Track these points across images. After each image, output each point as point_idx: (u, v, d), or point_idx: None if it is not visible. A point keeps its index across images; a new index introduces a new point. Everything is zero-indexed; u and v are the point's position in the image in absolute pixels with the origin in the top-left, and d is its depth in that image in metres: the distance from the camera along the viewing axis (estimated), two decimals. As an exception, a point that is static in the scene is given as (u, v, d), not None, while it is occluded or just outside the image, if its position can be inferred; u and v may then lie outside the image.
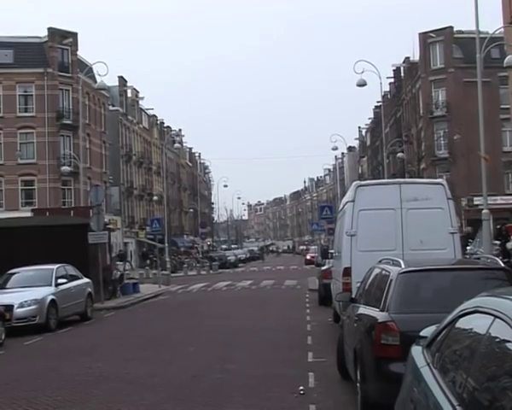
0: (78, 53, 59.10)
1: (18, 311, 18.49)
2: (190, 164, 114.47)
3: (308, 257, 67.13)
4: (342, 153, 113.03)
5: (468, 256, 24.20)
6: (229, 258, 74.04)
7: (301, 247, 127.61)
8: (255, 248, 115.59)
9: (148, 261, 60.64)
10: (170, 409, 9.45)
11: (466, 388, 3.73)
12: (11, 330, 17.67)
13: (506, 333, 3.45)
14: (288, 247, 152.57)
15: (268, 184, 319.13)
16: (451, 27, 59.50)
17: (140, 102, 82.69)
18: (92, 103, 62.16)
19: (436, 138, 58.25)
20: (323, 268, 25.00)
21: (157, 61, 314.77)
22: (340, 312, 13.43)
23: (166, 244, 55.63)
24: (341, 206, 17.24)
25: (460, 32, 58.08)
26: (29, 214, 36.24)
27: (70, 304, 20.63)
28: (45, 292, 19.47)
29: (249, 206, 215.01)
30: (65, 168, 50.86)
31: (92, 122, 61.56)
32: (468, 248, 30.91)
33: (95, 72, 42.80)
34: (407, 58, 66.76)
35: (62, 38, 57.29)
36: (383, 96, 54.26)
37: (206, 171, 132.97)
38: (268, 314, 21.97)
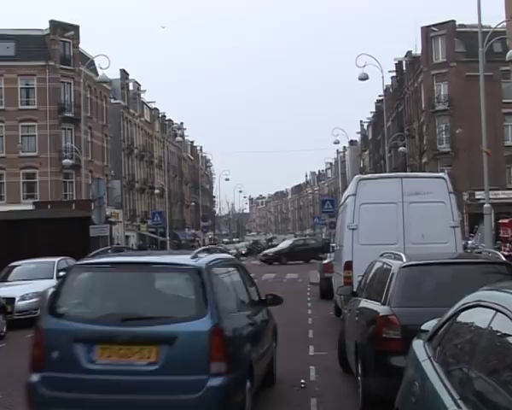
0: (80, 46, 59.08)
1: (19, 304, 18.51)
2: (192, 157, 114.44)
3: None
4: (344, 147, 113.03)
5: (469, 250, 24.19)
6: (230, 251, 73.96)
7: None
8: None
9: None
10: (171, 402, 9.43)
11: (467, 381, 3.74)
12: (13, 323, 17.69)
13: (507, 327, 3.46)
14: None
15: (270, 178, 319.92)
16: (454, 21, 59.40)
17: (142, 95, 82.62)
18: (94, 96, 62.13)
19: (438, 132, 58.19)
20: (325, 262, 25.01)
21: (159, 54, 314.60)
22: (342, 305, 13.45)
23: (168, 237, 55.65)
24: (343, 200, 17.24)
25: (462, 25, 57.97)
26: (31, 207, 36.29)
27: (71, 297, 20.65)
28: (47, 285, 19.44)
29: (251, 199, 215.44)
30: (66, 161, 50.84)
31: (94, 115, 61.55)
32: (469, 242, 30.87)
33: (96, 65, 42.73)
34: (409, 52, 66.67)
35: (64, 31, 57.23)
36: (385, 90, 54.17)
37: (208, 164, 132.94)
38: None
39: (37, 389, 6.73)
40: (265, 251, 60.00)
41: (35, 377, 6.77)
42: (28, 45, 56.31)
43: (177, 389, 6.42)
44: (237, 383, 6.86)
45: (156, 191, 78.98)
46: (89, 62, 46.88)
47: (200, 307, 6.68)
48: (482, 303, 4.02)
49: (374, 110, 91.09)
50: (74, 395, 6.60)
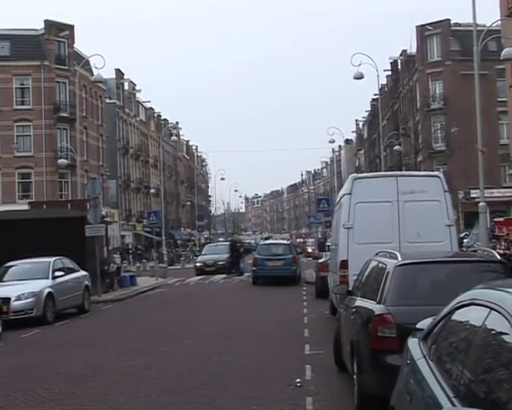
0: (75, 45, 58.94)
1: (15, 304, 18.49)
2: (187, 157, 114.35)
3: (309, 250, 66.35)
4: (339, 146, 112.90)
5: (464, 249, 24.21)
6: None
7: (298, 239, 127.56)
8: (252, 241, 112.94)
9: (131, 256, 59.70)
10: (167, 401, 9.45)
11: (462, 380, 3.75)
12: (8, 323, 17.68)
13: (502, 325, 3.47)
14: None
15: (265, 177, 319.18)
16: (449, 20, 59.45)
17: (137, 94, 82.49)
18: (89, 96, 62.04)
19: (433, 131, 58.23)
20: (320, 261, 25.05)
21: (153, 53, 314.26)
22: (337, 304, 13.44)
23: (164, 237, 55.60)
24: (338, 198, 17.27)
25: (457, 24, 58.04)
26: (26, 207, 36.17)
27: (67, 297, 20.62)
28: (42, 285, 19.46)
29: (246, 199, 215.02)
30: (62, 161, 50.75)
31: (89, 115, 61.46)
32: (464, 241, 30.91)
33: (91, 64, 42.76)
34: (404, 51, 66.66)
35: (59, 31, 57.13)
36: (380, 89, 54.23)
37: (204, 164, 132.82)
38: (265, 307, 22.00)
39: (256, 271, 31.23)
40: None
41: (254, 268, 31.64)
42: (23, 45, 56.16)
43: (287, 269, 30.81)
44: (299, 269, 32.46)
45: (152, 191, 78.84)
46: (84, 62, 46.79)
47: (290, 252, 32.40)
48: (477, 302, 4.03)
49: (369, 109, 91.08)
50: (263, 272, 30.81)
